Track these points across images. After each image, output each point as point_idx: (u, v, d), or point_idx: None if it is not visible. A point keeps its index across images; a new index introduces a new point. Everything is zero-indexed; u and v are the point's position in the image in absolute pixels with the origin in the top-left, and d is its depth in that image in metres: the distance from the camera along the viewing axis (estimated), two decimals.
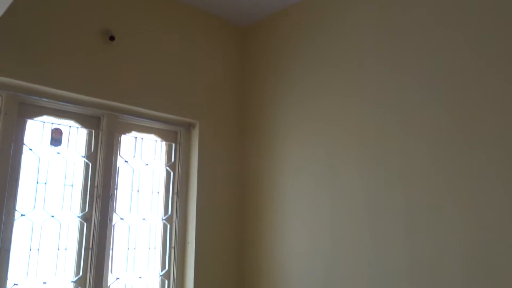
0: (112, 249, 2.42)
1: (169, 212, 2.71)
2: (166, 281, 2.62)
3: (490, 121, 1.88)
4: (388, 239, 2.13)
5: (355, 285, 2.22)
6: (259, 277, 2.70)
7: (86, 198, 2.37)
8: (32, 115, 2.26)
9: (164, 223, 2.69)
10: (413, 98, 2.16)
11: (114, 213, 2.45)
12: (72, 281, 2.26)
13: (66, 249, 2.27)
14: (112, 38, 2.45)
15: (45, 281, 2.17)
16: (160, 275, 2.61)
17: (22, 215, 2.15)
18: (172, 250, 2.67)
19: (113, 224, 2.44)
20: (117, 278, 2.42)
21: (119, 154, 2.53)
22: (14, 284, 2.08)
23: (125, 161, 2.56)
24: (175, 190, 2.74)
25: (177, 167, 2.78)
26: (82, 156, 2.40)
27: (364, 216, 2.25)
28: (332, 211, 2.40)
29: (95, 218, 2.37)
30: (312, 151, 2.56)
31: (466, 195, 1.90)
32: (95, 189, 2.40)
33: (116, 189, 2.49)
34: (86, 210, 2.36)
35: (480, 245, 1.82)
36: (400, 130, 2.18)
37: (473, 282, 1.82)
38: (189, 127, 2.84)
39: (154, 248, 2.63)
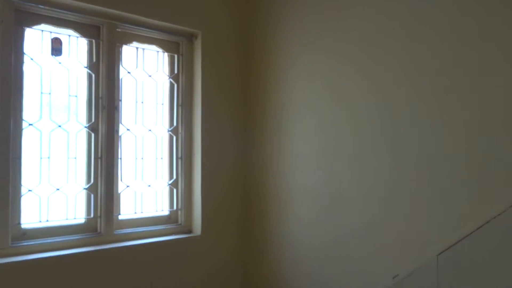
0: (121, 158, 2.48)
1: (175, 124, 2.73)
2: (175, 189, 2.73)
3: None
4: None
5: (352, 196, 2.30)
6: (263, 184, 2.80)
7: (92, 109, 2.38)
8: (30, 23, 2.19)
9: (170, 134, 2.73)
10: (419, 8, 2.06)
11: (120, 124, 2.48)
12: (84, 188, 2.35)
13: (75, 158, 2.33)
14: None
15: (58, 188, 2.26)
16: (169, 184, 2.71)
17: (29, 124, 2.17)
18: (179, 161, 2.74)
19: (120, 134, 2.47)
20: (127, 186, 2.51)
21: (122, 65, 2.50)
22: (29, 190, 2.17)
23: (128, 72, 2.53)
24: (180, 102, 2.74)
25: (181, 79, 2.75)
26: (85, 67, 2.37)
27: (366, 126, 2.27)
28: (336, 125, 2.41)
29: (101, 128, 2.40)
30: (316, 63, 2.51)
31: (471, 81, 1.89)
32: (100, 100, 2.40)
33: (121, 100, 2.49)
34: (93, 120, 2.38)
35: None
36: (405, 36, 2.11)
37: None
38: (191, 37, 2.77)
39: (161, 158, 2.69)
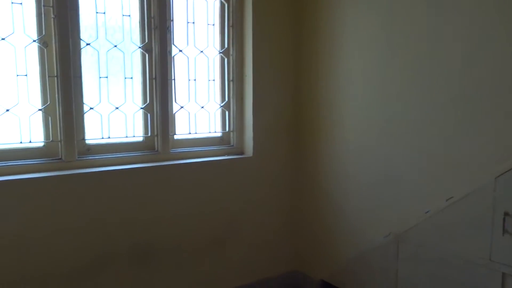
0: (174, 80, 2.52)
1: (226, 45, 2.71)
2: (227, 111, 2.77)
3: None
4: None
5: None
6: (315, 106, 2.77)
7: (145, 29, 2.40)
8: None
9: (221, 56, 2.71)
10: None
11: (172, 45, 2.49)
12: (141, 108, 2.44)
13: (132, 78, 2.40)
14: None
15: (117, 106, 2.36)
16: (221, 106, 2.75)
17: (87, 44, 2.24)
18: (231, 83, 2.75)
19: (172, 55, 2.50)
20: (181, 107, 2.58)
21: None
22: (90, 108, 2.28)
23: None
24: (230, 23, 2.69)
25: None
26: None
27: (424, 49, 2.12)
28: (392, 38, 2.28)
29: (155, 49, 2.42)
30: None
31: None
32: (152, 20, 2.40)
33: (172, 20, 2.48)
34: (146, 41, 2.41)
35: None
36: None
37: None
38: None
39: (213, 80, 2.71)
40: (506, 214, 1.86)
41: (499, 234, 1.89)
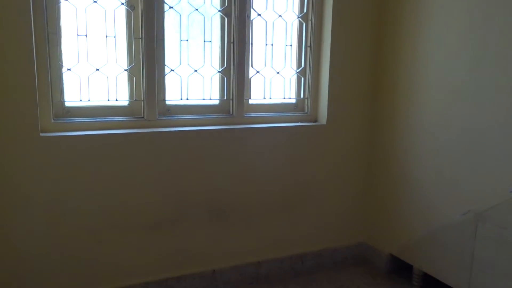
0: (251, 44, 2.53)
1: (305, 10, 2.65)
2: (302, 78, 2.74)
3: None
4: None
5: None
6: (394, 73, 2.65)
7: None
8: None
9: (299, 21, 2.67)
10: None
11: (251, 9, 2.49)
12: (218, 71, 2.49)
13: (211, 41, 2.44)
14: None
15: (195, 69, 2.43)
16: (296, 72, 2.72)
17: (170, 7, 2.31)
18: (308, 49, 2.70)
19: (251, 19, 2.50)
20: (257, 72, 2.59)
21: None
22: (171, 70, 2.37)
23: None
24: None
25: None
26: None
27: None
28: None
29: (234, 13, 2.44)
30: None
31: None
32: None
33: None
34: (226, 4, 2.43)
35: None
36: None
37: None
38: None
39: (290, 45, 2.68)
40: None
41: None
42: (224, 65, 2.49)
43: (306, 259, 2.81)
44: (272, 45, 2.61)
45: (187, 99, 2.44)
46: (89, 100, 2.22)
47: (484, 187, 2.17)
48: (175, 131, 2.32)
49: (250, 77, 2.56)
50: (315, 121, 2.77)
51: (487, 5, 2.11)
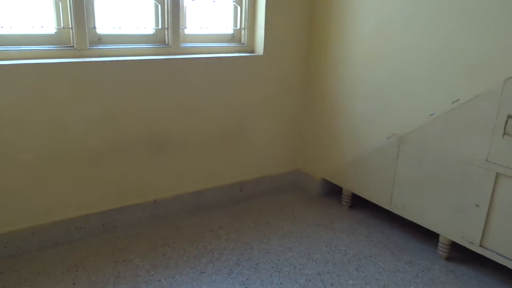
0: None
1: None
2: (239, 7, 2.70)
3: None
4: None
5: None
6: (329, 7, 2.70)
7: None
8: None
9: None
10: None
11: None
12: None
13: None
14: None
15: None
16: (233, 1, 2.68)
17: None
18: None
19: None
20: (193, 0, 2.52)
21: None
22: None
23: None
24: None
25: None
26: None
27: None
28: None
29: None
30: None
31: None
32: None
33: None
34: None
35: None
36: None
37: None
38: None
39: None
40: (509, 116, 1.91)
41: (499, 136, 1.96)
42: None
43: (245, 187, 2.94)
44: None
45: (120, 28, 2.33)
46: (11, 27, 2.06)
47: (407, 112, 2.37)
48: (108, 60, 2.23)
49: (185, 5, 2.49)
50: (252, 51, 2.78)
51: None
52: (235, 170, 2.87)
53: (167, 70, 2.41)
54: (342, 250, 2.42)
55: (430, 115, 2.24)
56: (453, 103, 2.13)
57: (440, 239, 2.34)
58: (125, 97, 2.32)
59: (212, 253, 2.32)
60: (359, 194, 2.76)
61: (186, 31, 2.55)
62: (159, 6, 2.41)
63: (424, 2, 2.19)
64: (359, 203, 2.91)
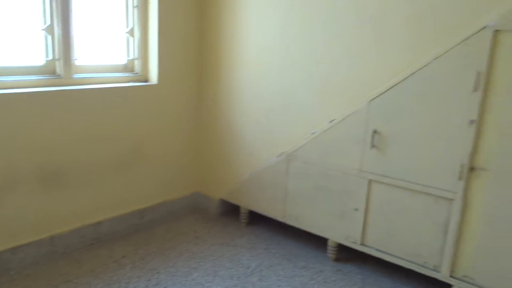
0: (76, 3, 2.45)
1: None
2: (131, 38, 2.78)
3: None
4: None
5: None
6: (218, 37, 2.92)
7: None
8: None
9: None
10: None
11: None
12: (41, 29, 2.35)
13: None
14: None
15: (14, 27, 2.25)
16: (126, 32, 2.75)
17: None
18: (135, 9, 2.74)
19: None
20: (84, 31, 2.53)
21: None
22: None
23: None
24: None
25: None
26: None
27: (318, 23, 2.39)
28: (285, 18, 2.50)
29: None
30: None
31: None
32: None
33: None
34: None
35: None
36: None
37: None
38: None
39: (117, 6, 2.68)
40: (374, 131, 2.30)
41: (368, 148, 2.33)
42: (47, 22, 2.36)
43: (146, 214, 2.96)
44: (98, 5, 2.57)
45: (9, 59, 2.25)
46: None
47: (293, 133, 2.66)
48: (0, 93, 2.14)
49: (76, 36, 2.49)
50: (146, 81, 2.87)
51: None
52: (135, 198, 2.88)
53: (60, 101, 2.37)
54: (245, 263, 2.58)
55: (312, 134, 2.56)
56: (330, 122, 2.47)
57: (329, 243, 2.64)
58: (16, 130, 2.22)
59: (119, 283, 2.30)
60: (256, 210, 2.97)
61: (78, 62, 2.54)
62: (49, 36, 2.38)
63: (303, 32, 2.52)
64: (256, 219, 3.12)
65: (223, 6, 2.86)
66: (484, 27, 1.90)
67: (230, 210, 3.25)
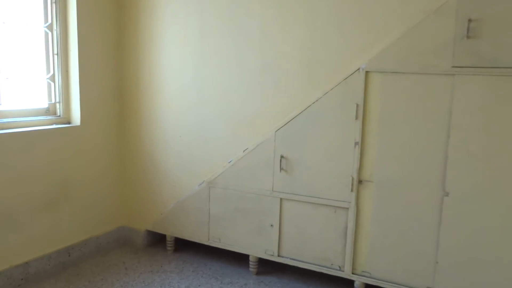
0: None
1: (49, 21, 2.85)
2: (52, 83, 2.93)
3: None
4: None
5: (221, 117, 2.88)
6: (138, 80, 3.18)
7: None
8: None
9: (45, 31, 2.85)
10: None
11: None
12: None
13: None
14: None
15: None
16: (46, 78, 2.89)
17: None
18: (55, 56, 2.91)
19: None
20: (6, 78, 2.64)
21: None
22: None
23: None
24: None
25: None
26: None
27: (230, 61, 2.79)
28: (201, 36, 2.88)
29: None
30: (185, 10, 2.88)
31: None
32: None
33: None
34: None
35: None
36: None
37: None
38: None
39: (38, 53, 2.83)
40: (282, 156, 2.70)
41: (278, 171, 2.72)
42: None
43: (73, 251, 3.04)
44: (18, 52, 2.70)
45: None
46: None
47: (212, 162, 2.97)
48: None
49: None
50: (69, 123, 3.01)
51: (202, 26, 2.88)
52: (62, 236, 2.96)
53: None
54: (175, 286, 2.79)
55: (229, 162, 2.89)
56: (243, 151, 2.83)
57: (250, 258, 2.95)
58: None
59: None
60: (181, 237, 3.19)
61: (1, 107, 2.63)
62: None
63: (215, 73, 2.88)
64: (182, 246, 3.34)
65: (142, 51, 3.13)
66: (357, 69, 2.42)
67: (157, 240, 3.43)
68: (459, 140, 2.25)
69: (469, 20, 2.13)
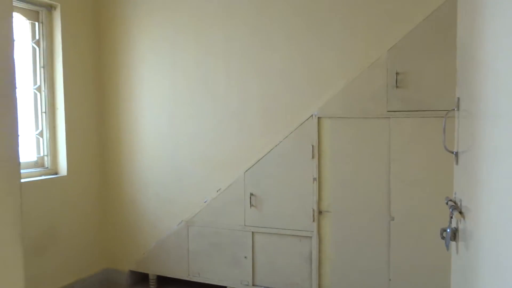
0: None
1: (38, 83, 3.19)
2: (41, 138, 3.23)
3: None
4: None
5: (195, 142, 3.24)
6: (119, 131, 3.51)
7: None
8: None
9: (34, 92, 3.18)
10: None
11: None
12: None
13: None
14: None
15: None
16: (36, 134, 3.20)
17: None
18: (44, 114, 3.23)
19: None
20: None
21: None
22: None
23: None
24: (42, 64, 3.20)
25: (42, 44, 3.19)
26: None
27: (199, 88, 3.20)
28: (175, 87, 3.27)
29: None
30: (161, 34, 3.30)
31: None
32: None
33: None
34: None
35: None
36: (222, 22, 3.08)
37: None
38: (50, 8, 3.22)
39: (28, 112, 3.15)
40: (251, 194, 3.05)
41: (248, 207, 3.06)
42: None
43: None
44: None
45: None
46: None
47: (189, 203, 3.29)
48: None
49: None
50: (56, 173, 3.29)
51: (174, 79, 3.28)
52: (49, 279, 3.16)
53: None
54: None
55: (204, 202, 3.22)
56: (217, 191, 3.17)
57: None
58: None
59: None
60: (163, 274, 3.44)
61: None
62: None
63: (189, 121, 3.26)
64: (164, 283, 3.57)
65: (122, 108, 3.49)
66: (311, 115, 2.84)
67: (140, 279, 3.66)
68: (397, 171, 2.67)
69: (397, 73, 2.60)
